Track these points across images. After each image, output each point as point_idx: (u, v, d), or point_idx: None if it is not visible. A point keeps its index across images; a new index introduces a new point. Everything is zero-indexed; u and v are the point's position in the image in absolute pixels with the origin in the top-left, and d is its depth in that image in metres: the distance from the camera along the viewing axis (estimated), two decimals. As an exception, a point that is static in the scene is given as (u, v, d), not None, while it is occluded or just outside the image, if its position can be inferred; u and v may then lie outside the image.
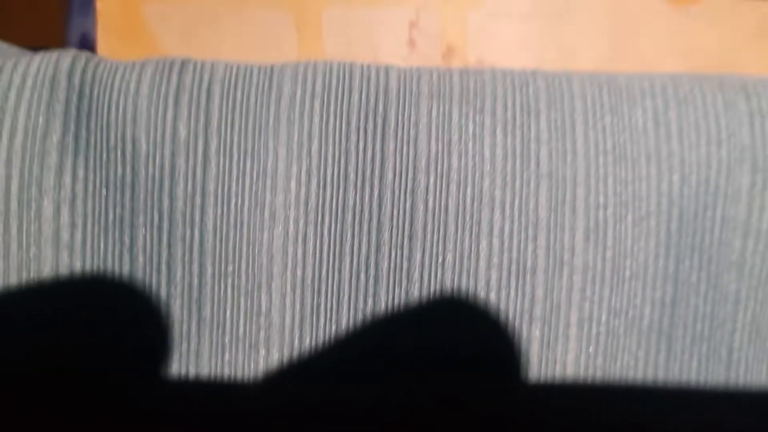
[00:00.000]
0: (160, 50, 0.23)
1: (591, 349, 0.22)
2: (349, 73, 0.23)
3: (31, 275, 0.21)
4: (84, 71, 0.22)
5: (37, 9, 0.73)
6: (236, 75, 0.22)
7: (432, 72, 0.23)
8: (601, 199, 0.23)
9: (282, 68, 0.22)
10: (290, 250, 0.22)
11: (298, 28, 0.24)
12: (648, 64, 0.25)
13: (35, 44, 0.75)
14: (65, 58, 0.22)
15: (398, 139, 0.22)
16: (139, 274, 0.22)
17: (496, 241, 0.22)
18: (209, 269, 0.22)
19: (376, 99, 0.22)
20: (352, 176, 0.22)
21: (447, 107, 0.23)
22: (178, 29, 0.23)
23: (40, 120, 0.21)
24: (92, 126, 0.21)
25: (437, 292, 0.22)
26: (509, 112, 0.23)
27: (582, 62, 0.25)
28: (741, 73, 0.26)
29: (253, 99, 0.22)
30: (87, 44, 0.70)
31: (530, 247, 0.22)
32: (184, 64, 0.22)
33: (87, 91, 0.21)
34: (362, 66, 0.23)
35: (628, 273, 0.23)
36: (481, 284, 0.22)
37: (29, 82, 0.21)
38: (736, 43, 0.26)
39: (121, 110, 0.21)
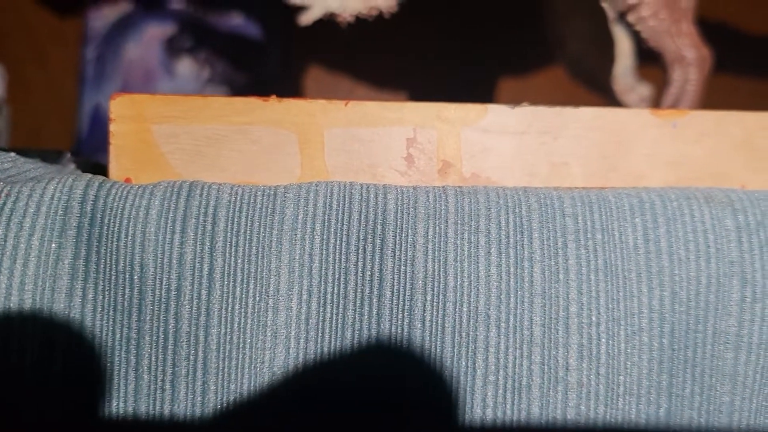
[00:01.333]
0: (170, 169, 0.24)
1: (587, 465, 0.23)
2: (348, 194, 0.24)
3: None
4: (96, 198, 0.23)
5: (53, 83, 0.75)
6: (241, 199, 0.23)
7: (428, 192, 0.24)
8: (594, 317, 0.23)
9: (285, 191, 0.23)
10: (291, 366, 0.23)
11: (302, 147, 0.25)
12: (637, 176, 0.26)
13: (51, 114, 0.76)
14: (79, 184, 0.23)
15: (396, 259, 0.23)
16: (144, 393, 0.22)
17: (491, 358, 0.23)
18: (212, 387, 0.22)
19: (375, 220, 0.23)
20: (351, 295, 0.23)
21: (443, 228, 0.23)
22: (188, 149, 0.25)
23: (53, 245, 0.22)
24: (102, 251, 0.22)
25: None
26: (503, 231, 0.24)
27: (574, 175, 0.26)
28: (729, 183, 0.27)
29: (256, 223, 0.23)
30: (99, 115, 0.72)
31: (525, 364, 0.23)
32: (191, 188, 0.23)
33: (98, 217, 0.22)
34: (362, 187, 0.24)
35: (622, 389, 0.23)
36: (477, 401, 0.23)
37: (44, 208, 0.22)
38: (723, 154, 0.27)
39: (130, 236, 0.22)
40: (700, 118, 0.27)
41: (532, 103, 0.27)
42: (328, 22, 0.47)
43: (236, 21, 0.73)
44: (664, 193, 0.25)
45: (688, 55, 0.38)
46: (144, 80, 0.73)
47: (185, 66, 0.73)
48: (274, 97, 0.26)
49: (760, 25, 0.79)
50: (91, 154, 0.74)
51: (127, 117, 0.25)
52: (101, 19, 0.74)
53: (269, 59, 0.73)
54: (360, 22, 0.48)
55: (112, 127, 0.25)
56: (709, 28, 0.78)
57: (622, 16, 0.39)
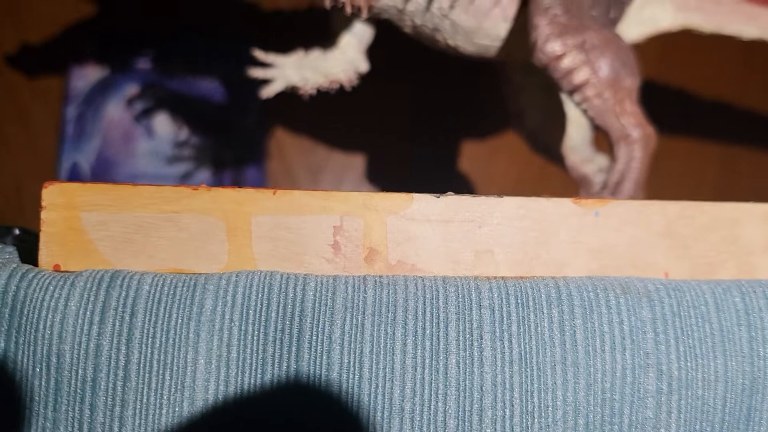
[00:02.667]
0: (99, 256, 0.25)
1: None
2: (268, 285, 0.24)
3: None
4: (17, 289, 0.23)
5: (33, 141, 0.76)
6: (161, 290, 0.24)
7: (348, 283, 0.24)
8: (508, 409, 0.23)
9: (205, 281, 0.24)
10: (207, 457, 0.23)
11: (229, 234, 0.26)
12: (560, 264, 0.27)
13: (29, 172, 0.77)
14: (2, 274, 0.23)
15: (312, 351, 0.23)
16: (58, 484, 0.22)
17: (406, 451, 0.23)
18: (126, 479, 0.23)
19: (293, 311, 0.24)
20: (268, 384, 0.23)
21: (360, 320, 0.24)
22: (116, 236, 0.25)
23: (-28, 336, 0.23)
24: (21, 341, 0.23)
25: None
26: (419, 323, 0.24)
27: (498, 263, 0.27)
28: (652, 270, 0.28)
29: (175, 315, 0.23)
30: (77, 174, 0.73)
31: (439, 458, 0.23)
32: (112, 278, 0.24)
33: (18, 308, 0.23)
34: (282, 277, 0.24)
35: (535, 483, 0.23)
36: (391, 496, 0.23)
37: (-36, 301, 0.23)
38: (644, 243, 0.27)
39: (48, 326, 0.23)
40: (622, 206, 0.28)
41: (457, 192, 0.28)
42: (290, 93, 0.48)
43: (211, 85, 0.74)
44: (581, 284, 0.25)
45: (633, 133, 0.39)
46: (123, 140, 0.74)
47: (163, 126, 0.74)
48: (203, 185, 0.26)
49: (715, 90, 0.81)
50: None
51: (58, 205, 0.26)
52: (83, 78, 0.75)
53: (246, 122, 0.75)
54: (322, 93, 0.49)
55: (43, 215, 0.26)
56: (668, 93, 0.80)
57: (569, 95, 0.40)
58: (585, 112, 0.40)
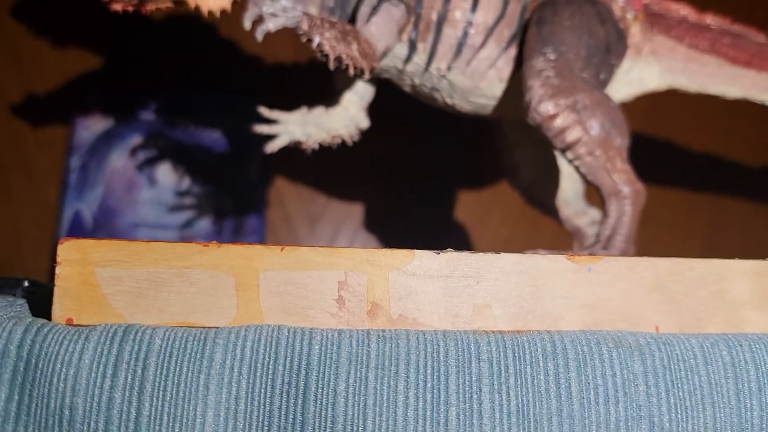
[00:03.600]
0: (111, 310, 0.26)
1: None
2: (276, 339, 0.25)
3: None
4: (33, 343, 0.24)
5: (36, 189, 0.78)
6: (172, 344, 0.24)
7: (352, 337, 0.26)
8: (506, 462, 0.24)
9: (215, 336, 0.25)
10: None
11: (238, 289, 0.27)
12: (555, 318, 0.28)
13: (31, 220, 0.78)
14: (18, 329, 0.24)
15: (318, 403, 0.24)
16: None
17: (407, 503, 0.24)
18: None
19: (299, 365, 0.25)
20: (274, 437, 0.24)
21: (363, 373, 0.25)
22: (129, 291, 0.26)
23: (-12, 388, 0.23)
24: (35, 394, 0.24)
25: None
26: (421, 376, 0.25)
27: (496, 317, 0.28)
28: (643, 324, 0.29)
29: (185, 368, 0.24)
30: (79, 222, 0.74)
31: None
32: (125, 333, 0.25)
33: (33, 361, 0.24)
34: (288, 332, 0.25)
35: None
36: None
37: (-18, 354, 0.24)
38: (636, 297, 0.29)
39: (62, 380, 0.24)
40: (614, 263, 0.29)
41: (455, 248, 0.29)
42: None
43: (214, 135, 0.76)
44: (575, 338, 0.27)
45: (624, 190, 0.41)
46: (125, 189, 0.75)
47: (165, 176, 0.76)
48: (214, 242, 0.28)
49: (702, 143, 0.83)
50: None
51: (73, 260, 0.27)
52: (88, 129, 0.77)
53: (248, 171, 0.77)
54: (324, 147, 0.51)
55: (58, 270, 0.27)
56: (657, 145, 0.82)
57: (562, 152, 0.42)
58: (577, 168, 0.42)
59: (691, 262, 0.30)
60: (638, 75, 0.49)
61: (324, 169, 0.76)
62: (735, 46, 0.50)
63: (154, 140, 0.76)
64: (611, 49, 0.45)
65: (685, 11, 0.50)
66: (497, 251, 0.29)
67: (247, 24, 0.39)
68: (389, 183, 0.80)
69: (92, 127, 0.78)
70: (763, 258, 0.30)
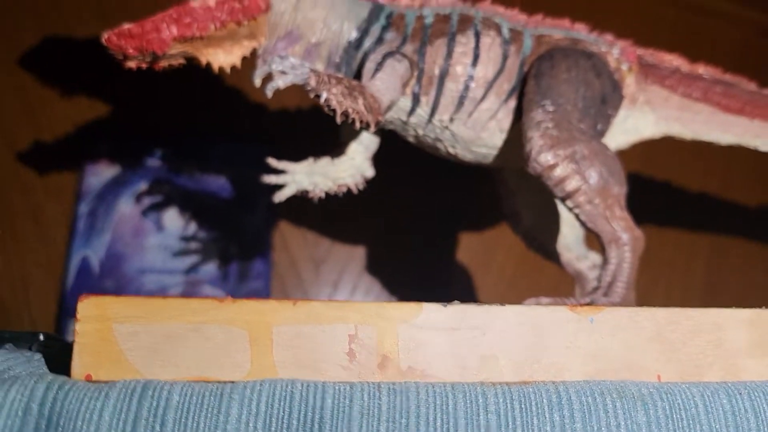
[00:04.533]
0: (129, 365, 0.27)
1: None
2: (290, 394, 0.26)
3: None
4: (54, 400, 0.25)
5: (44, 236, 0.79)
6: (189, 399, 0.25)
7: (363, 390, 0.26)
8: None
9: (231, 391, 0.26)
10: None
11: (252, 343, 0.28)
12: (559, 368, 0.29)
13: (39, 266, 0.79)
14: (40, 386, 0.25)
15: (331, 456, 0.25)
16: None
17: None
18: None
19: (313, 419, 0.25)
20: (288, 490, 0.25)
21: (375, 425, 0.25)
22: (146, 346, 0.27)
23: (12, 445, 0.24)
24: (57, 450, 0.24)
25: None
26: (431, 428, 0.26)
27: (502, 367, 0.28)
28: (645, 373, 0.29)
29: (202, 424, 0.25)
30: (86, 268, 0.75)
31: None
32: (144, 389, 0.25)
33: (55, 419, 0.25)
34: (302, 386, 0.26)
35: None
36: None
37: (4, 412, 0.25)
38: (637, 347, 0.29)
39: (84, 436, 0.24)
40: (615, 313, 0.30)
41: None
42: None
43: (220, 181, 0.78)
44: (580, 388, 0.27)
45: (623, 237, 0.42)
46: (133, 234, 0.76)
47: (172, 221, 0.77)
48: (229, 298, 0.29)
49: (700, 185, 0.85)
50: (74, 304, 0.75)
51: (92, 317, 0.28)
52: (97, 176, 0.78)
53: (253, 216, 0.78)
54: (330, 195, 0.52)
55: (78, 327, 0.28)
56: (655, 187, 0.84)
57: (562, 201, 0.43)
58: (577, 216, 0.43)
59: (689, 312, 0.30)
60: (634, 123, 0.51)
61: (328, 212, 0.77)
62: (727, 95, 0.51)
63: (160, 186, 0.77)
64: (607, 100, 0.46)
65: (678, 62, 0.52)
66: (502, 303, 0.30)
67: (257, 81, 0.41)
68: (393, 225, 0.81)
69: (101, 173, 0.79)
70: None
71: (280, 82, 0.40)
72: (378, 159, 0.52)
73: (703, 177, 0.86)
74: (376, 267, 0.81)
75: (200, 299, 0.28)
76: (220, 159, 0.79)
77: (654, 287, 0.82)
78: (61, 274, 0.76)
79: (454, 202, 0.81)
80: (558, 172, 0.42)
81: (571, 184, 0.42)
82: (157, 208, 0.76)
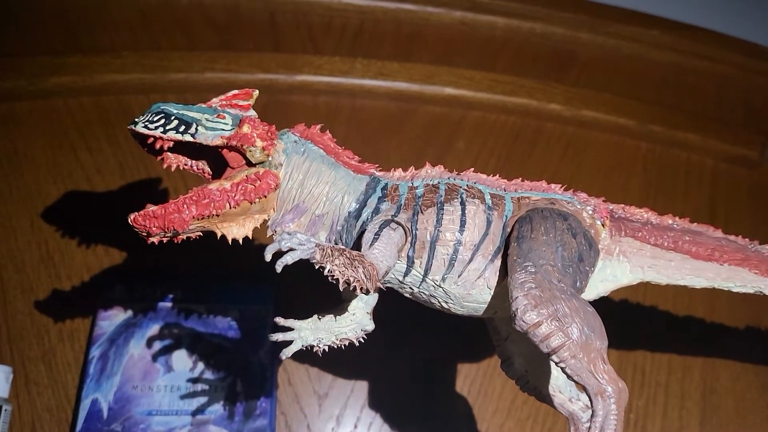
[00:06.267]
0: None
1: None
2: None
3: None
4: None
5: (56, 379, 0.81)
6: None
7: None
8: None
9: None
10: None
11: None
12: None
13: (49, 408, 0.79)
14: None
15: None
16: None
17: None
18: None
19: None
20: None
21: None
22: None
23: None
24: None
25: None
26: None
27: None
28: None
29: None
30: (95, 410, 0.76)
31: None
32: None
33: None
34: None
35: None
36: None
37: None
38: None
39: None
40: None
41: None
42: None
43: (227, 321, 0.81)
44: None
45: (608, 389, 0.45)
46: (142, 376, 0.79)
47: (180, 362, 0.80)
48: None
49: (686, 310, 0.88)
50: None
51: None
52: (109, 319, 0.82)
53: (258, 355, 0.80)
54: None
55: None
56: (645, 312, 0.87)
57: (548, 356, 0.46)
58: (563, 370, 0.46)
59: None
60: (612, 272, 0.55)
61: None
62: (696, 243, 0.56)
63: (170, 329, 0.80)
64: (584, 258, 0.51)
65: (648, 214, 0.57)
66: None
67: (268, 257, 0.45)
68: (393, 360, 0.84)
69: (113, 317, 0.82)
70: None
71: (288, 258, 0.45)
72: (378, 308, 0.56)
73: (689, 300, 0.90)
74: (377, 399, 0.83)
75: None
76: (228, 300, 0.82)
77: (653, 410, 0.83)
78: (70, 418, 0.78)
79: (452, 333, 0.84)
80: (542, 329, 0.45)
81: (556, 341, 0.45)
82: (167, 351, 0.79)
